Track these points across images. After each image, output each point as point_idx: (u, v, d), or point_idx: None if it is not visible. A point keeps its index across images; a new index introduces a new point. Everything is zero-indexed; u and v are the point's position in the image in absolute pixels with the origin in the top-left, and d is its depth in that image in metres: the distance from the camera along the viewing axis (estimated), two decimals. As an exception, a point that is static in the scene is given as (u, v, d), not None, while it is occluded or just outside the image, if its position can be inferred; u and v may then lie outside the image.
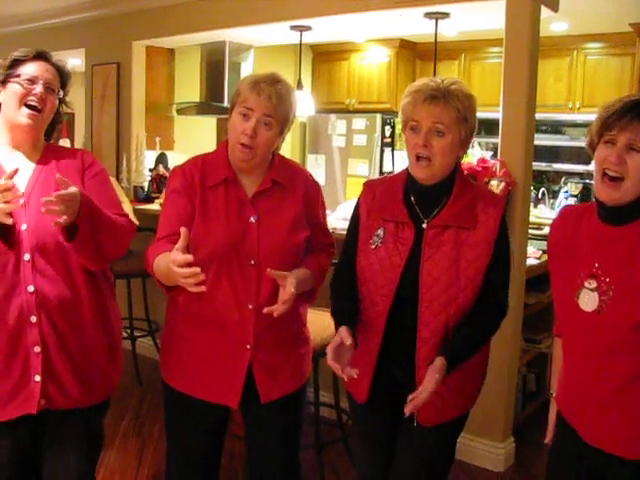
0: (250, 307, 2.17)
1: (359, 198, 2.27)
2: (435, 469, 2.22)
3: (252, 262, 2.16)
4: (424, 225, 2.10)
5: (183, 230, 1.89)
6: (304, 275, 2.19)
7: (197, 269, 1.82)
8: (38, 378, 2.01)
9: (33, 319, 2.00)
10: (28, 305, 2.00)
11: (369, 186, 2.27)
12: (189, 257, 1.83)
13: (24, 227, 2.00)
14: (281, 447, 2.36)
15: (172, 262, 1.84)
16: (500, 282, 2.14)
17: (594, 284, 1.80)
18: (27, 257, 2.00)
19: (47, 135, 2.19)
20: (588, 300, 1.80)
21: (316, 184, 2.39)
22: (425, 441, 2.17)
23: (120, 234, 2.11)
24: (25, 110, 2.03)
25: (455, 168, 2.14)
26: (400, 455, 2.22)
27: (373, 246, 2.14)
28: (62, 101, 2.17)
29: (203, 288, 1.86)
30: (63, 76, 2.14)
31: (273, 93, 2.14)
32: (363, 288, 2.17)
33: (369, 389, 2.16)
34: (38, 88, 2.03)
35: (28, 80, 2.03)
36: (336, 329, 2.18)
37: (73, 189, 1.86)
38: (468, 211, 2.09)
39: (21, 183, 2.03)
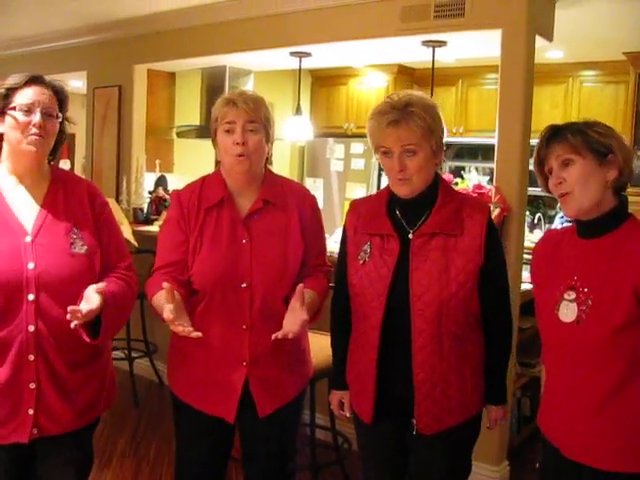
0: (244, 327, 2.23)
1: (346, 218, 2.31)
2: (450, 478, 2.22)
3: (244, 285, 2.22)
4: (410, 235, 2.13)
5: (166, 286, 2.01)
6: (312, 298, 2.24)
7: (190, 329, 1.99)
8: (31, 412, 2.00)
9: (31, 357, 1.97)
10: (27, 344, 1.96)
11: (354, 205, 2.32)
12: (182, 322, 2.01)
13: (31, 266, 1.97)
14: (276, 458, 2.40)
15: (167, 321, 2.00)
16: (499, 294, 2.19)
17: (573, 295, 1.85)
18: (31, 297, 1.96)
19: (51, 154, 2.15)
20: (567, 311, 1.86)
21: (310, 198, 2.41)
22: (433, 452, 2.17)
23: (132, 303, 2.21)
24: (29, 138, 1.99)
25: (436, 177, 2.18)
26: (412, 470, 2.24)
27: (361, 261, 2.17)
28: (65, 119, 2.12)
29: (199, 334, 2.00)
30: (60, 96, 2.09)
31: (247, 99, 2.24)
32: (354, 303, 2.21)
33: (373, 407, 2.17)
34: (36, 117, 1.98)
35: (25, 111, 1.98)
36: (333, 362, 2.35)
37: (97, 305, 1.92)
38: (454, 218, 2.12)
39: (28, 219, 2.03)
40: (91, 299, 1.93)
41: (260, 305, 2.22)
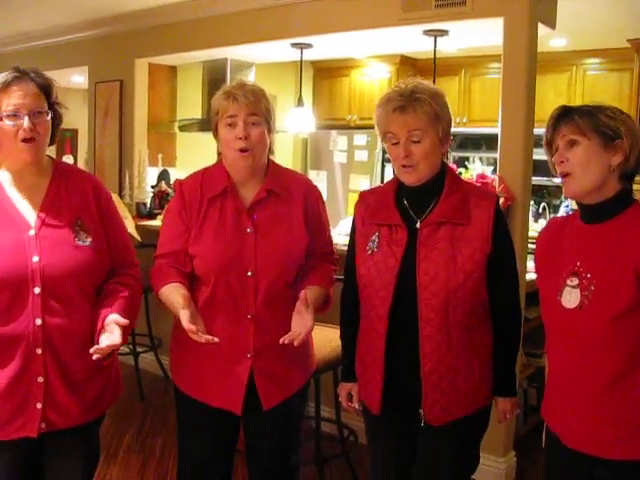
0: (249, 317, 2.24)
1: (354, 209, 2.32)
2: (455, 471, 2.21)
3: (249, 273, 2.23)
4: (417, 225, 2.13)
5: (184, 294, 2.12)
6: (317, 294, 2.28)
7: (209, 337, 2.03)
8: (39, 406, 2.00)
9: (38, 351, 1.97)
10: (34, 338, 1.96)
11: (363, 196, 2.33)
12: (198, 327, 2.05)
13: (35, 259, 1.96)
14: (280, 450, 2.40)
15: (185, 328, 2.03)
16: (508, 283, 2.19)
17: (576, 281, 1.84)
18: (37, 290, 1.96)
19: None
20: (570, 297, 1.85)
21: (315, 190, 2.44)
22: (441, 443, 2.17)
23: (137, 311, 2.22)
24: (21, 145, 1.96)
25: (443, 166, 2.18)
26: (419, 461, 2.23)
27: (369, 252, 2.18)
28: (55, 105, 2.08)
29: (216, 340, 2.04)
30: (46, 88, 2.03)
31: (247, 92, 2.24)
32: (363, 294, 2.21)
33: (381, 398, 2.17)
34: (25, 122, 1.94)
35: (11, 116, 1.94)
36: (343, 354, 2.37)
37: (119, 342, 1.95)
38: (461, 206, 2.12)
39: (31, 212, 2.03)
40: (113, 331, 1.96)
41: (265, 294, 2.24)
